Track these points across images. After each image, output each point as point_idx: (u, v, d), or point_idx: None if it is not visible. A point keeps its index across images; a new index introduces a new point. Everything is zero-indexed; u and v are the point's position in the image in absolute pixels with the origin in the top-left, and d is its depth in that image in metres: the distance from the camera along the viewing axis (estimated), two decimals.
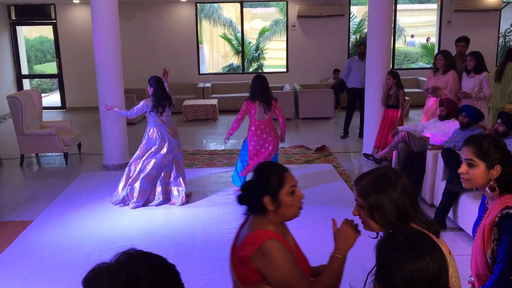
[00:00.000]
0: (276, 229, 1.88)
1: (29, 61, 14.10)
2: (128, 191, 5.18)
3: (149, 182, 5.17)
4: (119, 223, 4.84)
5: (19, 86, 12.08)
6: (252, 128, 5.31)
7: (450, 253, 1.65)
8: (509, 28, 12.99)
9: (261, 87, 5.26)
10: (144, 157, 5.20)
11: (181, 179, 5.31)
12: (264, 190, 1.87)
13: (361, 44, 8.41)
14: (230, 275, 1.94)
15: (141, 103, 5.18)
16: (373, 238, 1.73)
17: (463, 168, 2.06)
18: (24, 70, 12.43)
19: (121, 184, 5.29)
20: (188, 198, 5.40)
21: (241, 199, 1.96)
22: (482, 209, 2.19)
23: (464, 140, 2.14)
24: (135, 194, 5.16)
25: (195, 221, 4.83)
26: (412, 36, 18.88)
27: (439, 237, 1.69)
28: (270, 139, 5.31)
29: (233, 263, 1.91)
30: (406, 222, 1.68)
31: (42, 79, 15.97)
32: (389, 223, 1.69)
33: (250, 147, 5.34)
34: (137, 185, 5.15)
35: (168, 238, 4.43)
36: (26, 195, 5.79)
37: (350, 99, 8.63)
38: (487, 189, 2.03)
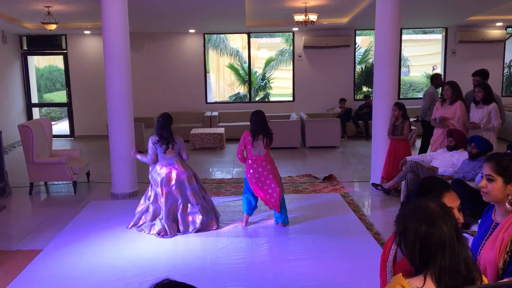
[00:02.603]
0: None
1: (39, 90, 14.29)
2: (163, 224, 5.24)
3: (172, 218, 5.25)
4: (128, 252, 4.82)
5: (29, 115, 12.23)
6: (249, 161, 5.33)
7: None
8: None
9: (261, 123, 5.27)
10: (158, 196, 5.29)
11: (199, 207, 5.32)
12: None
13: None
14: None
15: (149, 142, 5.35)
16: None
17: (483, 182, 2.28)
18: (34, 99, 12.60)
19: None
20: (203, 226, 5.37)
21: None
22: (485, 226, 2.31)
23: (487, 157, 2.36)
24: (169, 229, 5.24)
25: (204, 251, 4.80)
26: (406, 66, 19.09)
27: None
28: (266, 173, 5.28)
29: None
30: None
31: (51, 108, 16.15)
32: None
33: (248, 178, 5.32)
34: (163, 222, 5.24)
35: (177, 269, 4.40)
36: (34, 224, 5.80)
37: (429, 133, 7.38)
38: (506, 203, 2.19)
